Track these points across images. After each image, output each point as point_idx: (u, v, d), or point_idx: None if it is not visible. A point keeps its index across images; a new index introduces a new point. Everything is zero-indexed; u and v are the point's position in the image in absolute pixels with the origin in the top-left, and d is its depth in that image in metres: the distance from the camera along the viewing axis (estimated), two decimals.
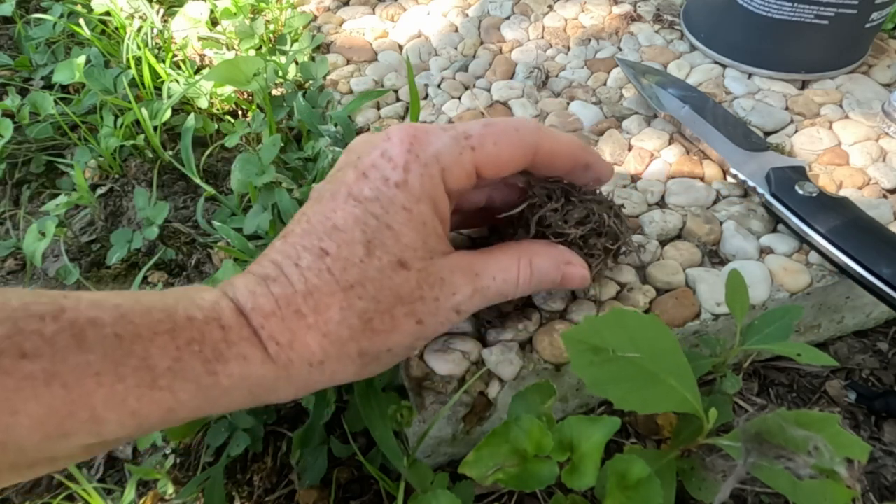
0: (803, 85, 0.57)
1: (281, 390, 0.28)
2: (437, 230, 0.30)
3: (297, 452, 0.40)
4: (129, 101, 0.58)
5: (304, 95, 0.57)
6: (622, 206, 0.39)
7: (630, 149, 0.51)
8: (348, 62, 0.62)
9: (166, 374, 0.24)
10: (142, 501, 0.41)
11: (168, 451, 0.43)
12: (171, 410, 0.25)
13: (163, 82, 0.62)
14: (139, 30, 0.67)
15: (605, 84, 0.58)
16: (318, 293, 0.28)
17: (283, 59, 0.63)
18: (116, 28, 0.70)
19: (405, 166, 0.29)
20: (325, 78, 0.61)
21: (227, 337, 0.26)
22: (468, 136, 0.31)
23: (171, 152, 0.61)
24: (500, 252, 0.33)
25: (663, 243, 0.44)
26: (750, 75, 0.57)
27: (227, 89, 0.63)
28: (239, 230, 0.49)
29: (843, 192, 0.47)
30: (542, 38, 0.64)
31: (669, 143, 0.51)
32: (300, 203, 0.48)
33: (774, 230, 0.45)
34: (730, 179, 0.48)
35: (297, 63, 0.63)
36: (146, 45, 0.66)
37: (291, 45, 0.66)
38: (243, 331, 0.27)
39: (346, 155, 0.31)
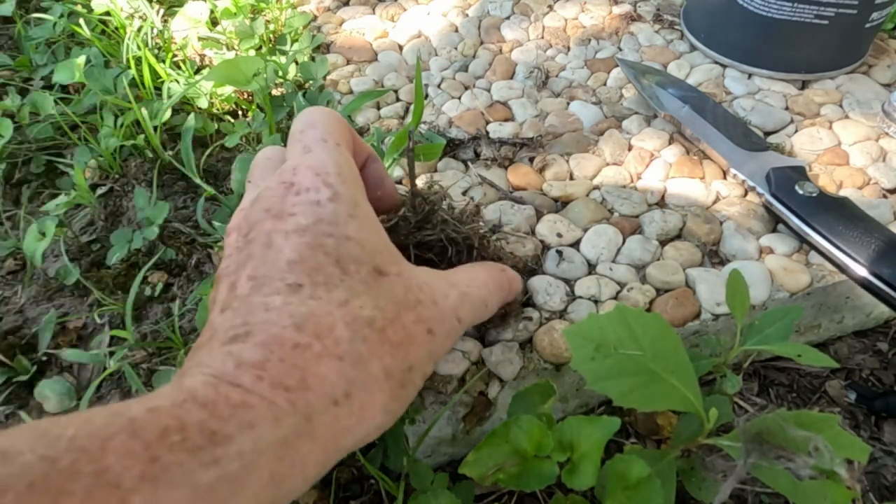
0: (803, 85, 0.57)
1: (307, 456, 0.21)
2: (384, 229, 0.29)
3: None
4: (129, 101, 0.58)
5: (304, 95, 0.57)
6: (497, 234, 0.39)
7: (630, 149, 0.51)
8: (348, 62, 0.62)
9: (141, 486, 0.17)
10: None
11: None
12: None
13: (163, 82, 0.62)
14: (139, 30, 0.67)
15: (605, 84, 0.58)
16: (312, 318, 0.22)
17: (283, 59, 0.63)
18: (116, 28, 0.70)
19: (324, 183, 0.26)
20: (325, 78, 0.61)
21: (215, 411, 0.19)
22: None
23: (171, 152, 0.61)
24: (456, 268, 0.33)
25: (663, 243, 0.44)
26: (750, 75, 0.57)
27: (227, 89, 0.63)
28: None
29: (843, 192, 0.47)
30: (542, 38, 0.64)
31: (669, 143, 0.51)
32: None
33: (774, 230, 0.45)
34: (730, 179, 0.48)
35: (297, 63, 0.63)
36: (146, 45, 0.66)
37: (291, 45, 0.66)
38: (232, 396, 0.20)
39: (244, 220, 0.26)
